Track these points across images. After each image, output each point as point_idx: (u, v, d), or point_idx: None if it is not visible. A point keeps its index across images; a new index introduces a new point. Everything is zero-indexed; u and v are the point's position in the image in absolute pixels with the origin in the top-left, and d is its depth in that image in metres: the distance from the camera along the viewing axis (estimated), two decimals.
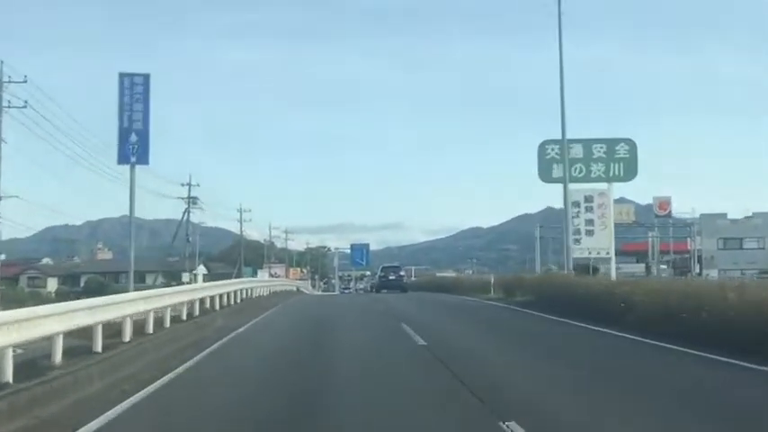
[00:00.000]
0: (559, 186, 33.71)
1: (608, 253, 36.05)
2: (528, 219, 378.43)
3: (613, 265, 36.46)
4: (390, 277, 54.67)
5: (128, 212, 27.82)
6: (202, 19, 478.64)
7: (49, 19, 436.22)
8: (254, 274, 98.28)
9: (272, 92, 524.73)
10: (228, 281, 31.08)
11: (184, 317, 18.43)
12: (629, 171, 35.72)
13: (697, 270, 71.29)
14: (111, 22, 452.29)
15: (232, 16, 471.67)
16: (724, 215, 79.55)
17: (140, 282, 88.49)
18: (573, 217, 35.64)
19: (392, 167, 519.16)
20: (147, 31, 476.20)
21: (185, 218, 69.64)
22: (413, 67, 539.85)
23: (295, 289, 56.69)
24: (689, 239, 74.64)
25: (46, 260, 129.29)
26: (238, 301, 27.46)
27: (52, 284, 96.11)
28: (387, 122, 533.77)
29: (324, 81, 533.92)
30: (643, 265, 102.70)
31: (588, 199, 35.62)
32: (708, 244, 76.88)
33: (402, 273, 59.68)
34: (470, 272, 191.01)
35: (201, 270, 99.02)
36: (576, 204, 35.70)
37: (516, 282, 31.11)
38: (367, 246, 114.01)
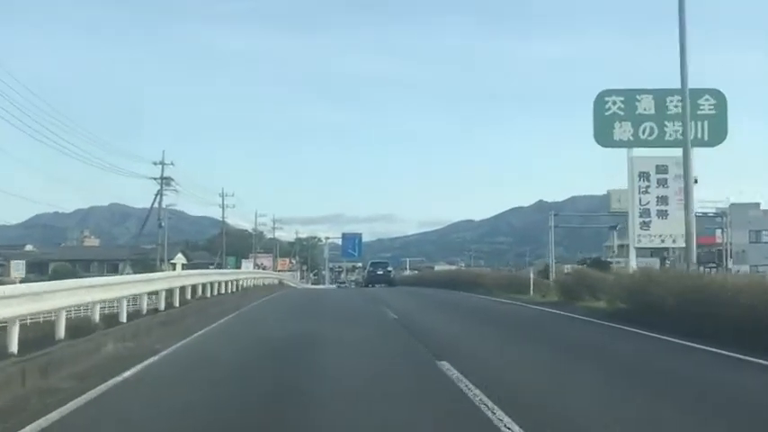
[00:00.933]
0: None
1: None
2: (520, 212, 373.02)
3: (694, 257, 26.96)
4: (379, 272, 56.03)
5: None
6: (200, 5, 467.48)
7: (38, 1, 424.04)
8: (238, 264, 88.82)
9: (265, 81, 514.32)
10: (170, 272, 21.80)
11: (14, 348, 8.95)
12: (717, 132, 26.19)
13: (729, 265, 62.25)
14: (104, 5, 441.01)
15: (229, 3, 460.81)
16: (756, 205, 70.34)
17: (114, 272, 79.01)
18: (640, 193, 26.32)
19: (384, 159, 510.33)
20: (144, 15, 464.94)
21: (157, 200, 59.85)
22: (407, 58, 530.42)
23: (277, 282, 47.10)
24: (719, 231, 65.29)
25: (29, 247, 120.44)
26: (175, 305, 17.87)
27: (17, 272, 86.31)
28: (379, 114, 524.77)
29: (318, 72, 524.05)
30: (657, 260, 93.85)
31: (661, 169, 26.14)
32: (738, 237, 67.54)
33: (389, 268, 60.54)
34: (462, 265, 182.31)
35: (180, 259, 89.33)
36: (645, 177, 26.26)
37: (583, 280, 21.33)
38: (359, 236, 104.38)
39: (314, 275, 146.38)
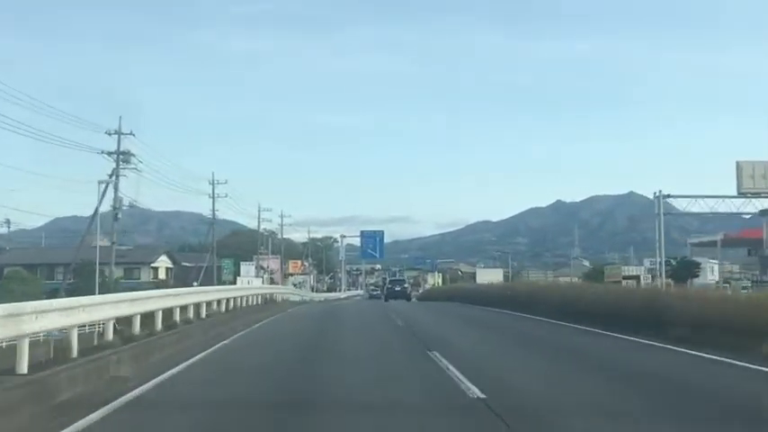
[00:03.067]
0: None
1: None
2: (538, 212, 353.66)
3: None
4: (396, 288, 58.76)
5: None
6: (209, 8, 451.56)
7: (52, 8, 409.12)
8: (236, 267, 70.57)
9: (277, 83, 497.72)
10: None
11: None
12: None
13: None
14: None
15: (239, 5, 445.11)
16: None
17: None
18: None
19: (400, 160, 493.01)
20: (151, 19, 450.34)
21: (111, 183, 41.52)
22: (421, 59, 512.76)
23: (259, 302, 28.24)
24: None
25: None
26: None
27: None
28: (395, 115, 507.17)
29: (331, 72, 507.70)
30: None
31: None
32: None
33: (406, 285, 64.22)
34: (482, 266, 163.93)
35: (164, 262, 70.97)
36: None
37: None
38: (381, 234, 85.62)
39: (329, 279, 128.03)
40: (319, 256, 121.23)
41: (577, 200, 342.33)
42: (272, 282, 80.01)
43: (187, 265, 66.06)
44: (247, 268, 70.13)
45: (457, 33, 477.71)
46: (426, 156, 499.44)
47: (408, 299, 54.43)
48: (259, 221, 76.05)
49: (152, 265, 63.58)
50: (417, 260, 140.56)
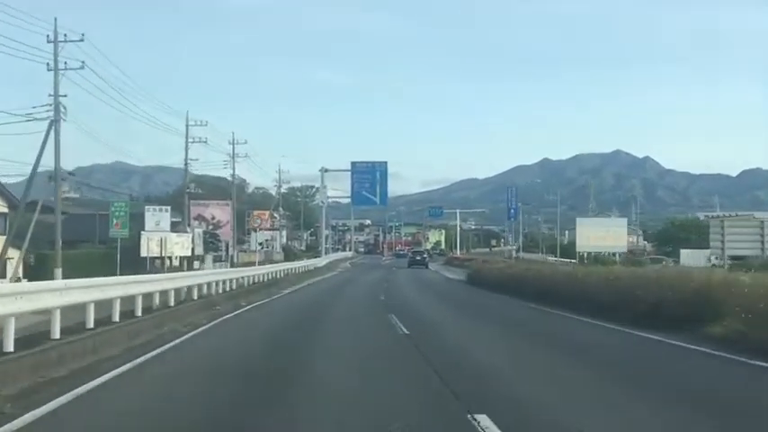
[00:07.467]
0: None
1: None
2: (524, 170, 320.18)
3: None
4: (417, 258, 60.45)
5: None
6: None
7: None
8: (135, 214, 37.21)
9: (264, 37, 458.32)
10: None
11: None
12: None
13: None
14: None
15: None
16: None
17: None
18: None
19: (387, 117, 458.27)
20: None
21: None
22: (409, 17, 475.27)
23: None
24: None
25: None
26: None
27: None
28: (381, 72, 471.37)
29: (318, 30, 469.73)
30: None
31: None
32: None
33: (425, 255, 65.24)
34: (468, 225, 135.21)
35: None
36: None
37: None
38: (383, 167, 51.84)
39: (310, 236, 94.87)
40: (297, 208, 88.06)
41: (564, 158, 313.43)
42: (211, 241, 46.40)
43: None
44: (158, 216, 36.52)
45: None
46: (414, 114, 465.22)
47: (426, 266, 56.97)
48: (187, 142, 42.33)
49: None
50: (434, 211, 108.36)
